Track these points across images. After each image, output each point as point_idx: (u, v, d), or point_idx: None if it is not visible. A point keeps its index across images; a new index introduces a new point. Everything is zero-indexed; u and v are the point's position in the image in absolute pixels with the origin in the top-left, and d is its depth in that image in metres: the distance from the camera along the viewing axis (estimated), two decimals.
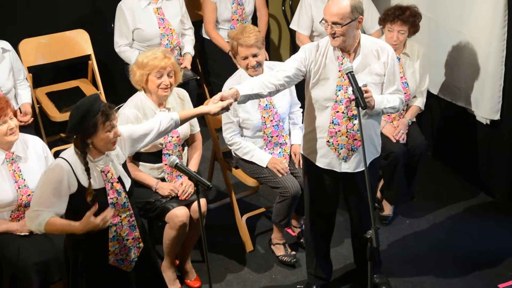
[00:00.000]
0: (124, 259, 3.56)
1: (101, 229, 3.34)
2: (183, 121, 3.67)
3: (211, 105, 3.60)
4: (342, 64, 3.79)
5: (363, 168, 3.93)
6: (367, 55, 3.82)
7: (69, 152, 3.41)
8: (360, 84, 3.59)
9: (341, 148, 3.90)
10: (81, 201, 3.38)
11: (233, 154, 4.62)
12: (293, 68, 3.80)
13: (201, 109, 3.68)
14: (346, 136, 3.88)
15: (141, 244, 3.62)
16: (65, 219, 3.38)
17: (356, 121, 3.83)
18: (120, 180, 3.49)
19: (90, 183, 3.37)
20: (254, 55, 4.38)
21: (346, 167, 3.96)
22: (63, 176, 3.34)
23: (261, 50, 4.41)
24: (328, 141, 3.91)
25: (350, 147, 3.90)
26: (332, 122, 3.87)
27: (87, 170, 3.36)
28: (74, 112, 3.32)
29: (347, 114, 3.84)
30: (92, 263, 3.50)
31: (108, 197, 3.43)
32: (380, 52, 3.83)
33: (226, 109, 3.61)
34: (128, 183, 3.54)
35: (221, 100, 3.59)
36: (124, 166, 3.55)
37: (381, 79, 3.85)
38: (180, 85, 4.52)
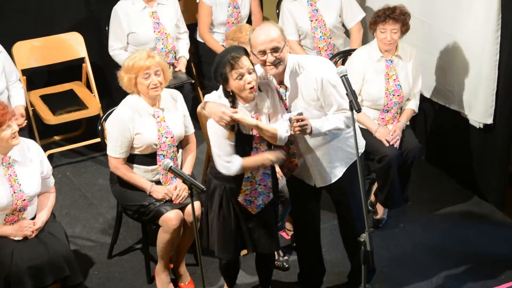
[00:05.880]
0: (251, 201, 3.81)
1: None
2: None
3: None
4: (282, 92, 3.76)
5: (335, 179, 3.94)
6: (298, 83, 3.72)
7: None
8: (296, 113, 3.59)
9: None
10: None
11: None
12: None
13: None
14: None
15: (271, 194, 3.86)
16: None
17: (291, 146, 3.87)
18: None
19: (232, 127, 3.64)
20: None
21: (320, 183, 3.97)
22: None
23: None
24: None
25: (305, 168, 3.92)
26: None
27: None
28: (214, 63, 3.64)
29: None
30: (226, 193, 3.80)
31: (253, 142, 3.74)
32: (309, 78, 3.70)
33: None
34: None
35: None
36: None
37: (318, 103, 3.75)
38: (175, 88, 4.52)
